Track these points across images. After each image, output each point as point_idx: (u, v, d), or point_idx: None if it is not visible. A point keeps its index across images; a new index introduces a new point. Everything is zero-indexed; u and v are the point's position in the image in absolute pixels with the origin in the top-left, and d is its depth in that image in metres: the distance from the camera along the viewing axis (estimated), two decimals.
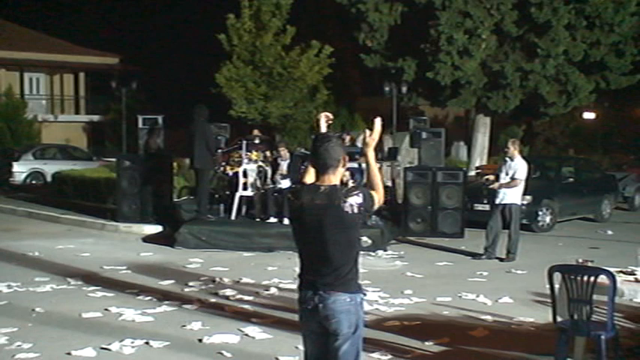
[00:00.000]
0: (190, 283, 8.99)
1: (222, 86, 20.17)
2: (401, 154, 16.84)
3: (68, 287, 8.79)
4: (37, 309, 7.59)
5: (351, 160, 9.11)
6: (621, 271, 5.88)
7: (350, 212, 3.79)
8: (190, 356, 6.22)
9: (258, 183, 12.87)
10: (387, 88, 17.54)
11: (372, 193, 3.93)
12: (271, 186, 12.78)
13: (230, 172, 13.19)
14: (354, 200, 3.81)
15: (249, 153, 12.89)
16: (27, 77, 33.26)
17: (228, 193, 13.14)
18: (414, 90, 20.39)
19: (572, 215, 15.55)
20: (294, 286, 4.39)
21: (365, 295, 4.13)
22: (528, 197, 12.39)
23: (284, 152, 13.35)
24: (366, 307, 5.35)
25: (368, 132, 4.13)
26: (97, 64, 33.90)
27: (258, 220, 12.57)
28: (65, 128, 31.52)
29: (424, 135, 13.59)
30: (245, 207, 12.92)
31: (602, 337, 5.28)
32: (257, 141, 13.34)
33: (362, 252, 7.48)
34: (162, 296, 8.28)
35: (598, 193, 16.27)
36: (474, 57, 18.94)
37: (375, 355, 6.12)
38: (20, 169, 23.10)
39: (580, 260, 5.98)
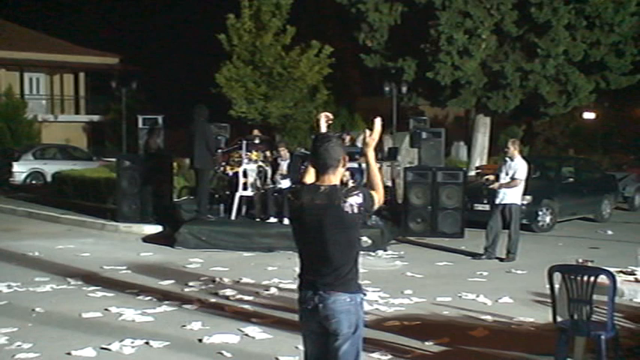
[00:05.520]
0: (190, 283, 8.99)
1: (222, 86, 20.18)
2: (401, 154, 16.84)
3: (68, 287, 8.79)
4: (37, 309, 7.59)
5: (351, 160, 9.10)
6: (621, 271, 5.88)
7: (350, 212, 3.79)
8: (190, 356, 6.22)
9: (258, 183, 12.87)
10: (387, 88, 17.54)
11: (372, 193, 3.93)
12: (271, 186, 12.78)
13: (230, 172, 13.19)
14: (354, 200, 3.81)
15: (249, 153, 12.89)
16: (27, 77, 33.26)
17: (228, 193, 13.14)
18: (414, 90, 20.39)
19: (572, 215, 15.55)
20: (294, 286, 4.39)
21: (365, 295, 4.13)
22: (528, 197, 12.39)
23: (284, 152, 13.34)
24: (366, 307, 5.35)
25: (368, 132, 4.13)
26: (97, 64, 33.90)
27: (258, 220, 12.57)
28: (65, 128, 31.52)
29: (424, 135, 13.59)
30: (245, 207, 12.91)
31: (602, 337, 5.28)
32: (257, 141, 13.34)
33: (362, 252, 7.48)
34: (163, 296, 8.28)
35: (598, 193, 16.26)
36: (474, 57, 18.94)
37: (375, 355, 6.12)
38: (20, 169, 23.10)
39: (580, 260, 5.98)
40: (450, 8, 18.69)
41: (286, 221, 11.36)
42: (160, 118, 13.69)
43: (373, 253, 11.29)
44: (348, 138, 13.41)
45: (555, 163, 17.14)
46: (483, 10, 18.83)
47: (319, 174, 3.92)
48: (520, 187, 10.94)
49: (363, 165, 11.87)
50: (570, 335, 5.56)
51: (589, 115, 32.77)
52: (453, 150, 25.54)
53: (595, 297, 5.25)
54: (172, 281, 9.12)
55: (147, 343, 6.44)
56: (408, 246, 12.45)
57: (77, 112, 34.70)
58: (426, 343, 6.55)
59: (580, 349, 5.77)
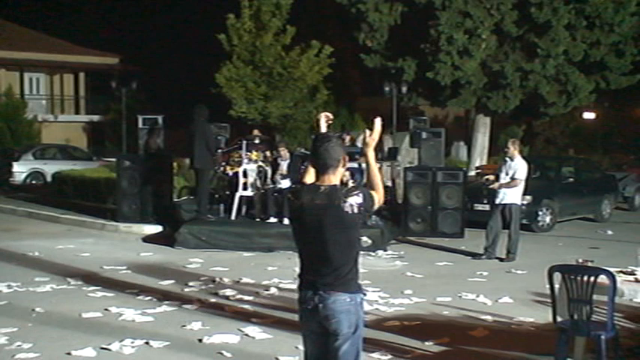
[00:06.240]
0: (190, 283, 8.99)
1: (222, 86, 20.18)
2: (401, 154, 16.84)
3: (68, 287, 8.79)
4: (37, 309, 7.59)
5: (351, 160, 9.10)
6: (621, 271, 5.88)
7: (350, 212, 3.79)
8: (190, 356, 6.22)
9: (258, 183, 12.87)
10: (387, 88, 17.54)
11: (372, 193, 3.93)
12: (271, 186, 12.78)
13: (230, 172, 13.19)
14: (354, 200, 3.81)
15: (249, 153, 12.89)
16: (27, 77, 33.27)
17: (228, 193, 13.14)
18: (414, 90, 20.39)
19: (572, 215, 15.55)
20: (294, 286, 4.39)
21: (365, 295, 4.13)
22: (528, 197, 12.39)
23: (284, 152, 13.35)
24: (366, 307, 5.35)
25: (368, 132, 4.13)
26: (97, 64, 33.91)
27: (258, 220, 12.57)
28: (65, 128, 31.52)
29: (424, 135, 13.60)
30: (245, 207, 12.92)
31: (602, 337, 5.28)
32: (257, 141, 13.35)
33: (362, 252, 7.48)
34: (163, 296, 8.28)
35: (598, 193, 16.26)
36: (474, 57, 18.94)
37: (375, 355, 6.12)
38: (20, 169, 23.10)
39: (580, 260, 5.98)
40: (450, 8, 18.69)
41: (286, 221, 11.36)
42: (159, 118, 13.69)
43: (373, 253, 11.29)
44: (348, 138, 13.41)
45: (555, 163, 17.14)
46: (483, 10, 18.83)
47: (319, 174, 3.92)
48: (520, 187, 10.94)
49: (363, 165, 11.87)
50: (570, 335, 5.56)
51: (589, 115, 32.77)
52: (453, 150, 25.54)
53: (595, 297, 5.25)
54: (172, 281, 9.12)
55: (147, 343, 6.43)
56: (408, 246, 12.45)
57: (77, 112, 34.71)
58: (426, 343, 6.54)
59: (580, 349, 5.77)
